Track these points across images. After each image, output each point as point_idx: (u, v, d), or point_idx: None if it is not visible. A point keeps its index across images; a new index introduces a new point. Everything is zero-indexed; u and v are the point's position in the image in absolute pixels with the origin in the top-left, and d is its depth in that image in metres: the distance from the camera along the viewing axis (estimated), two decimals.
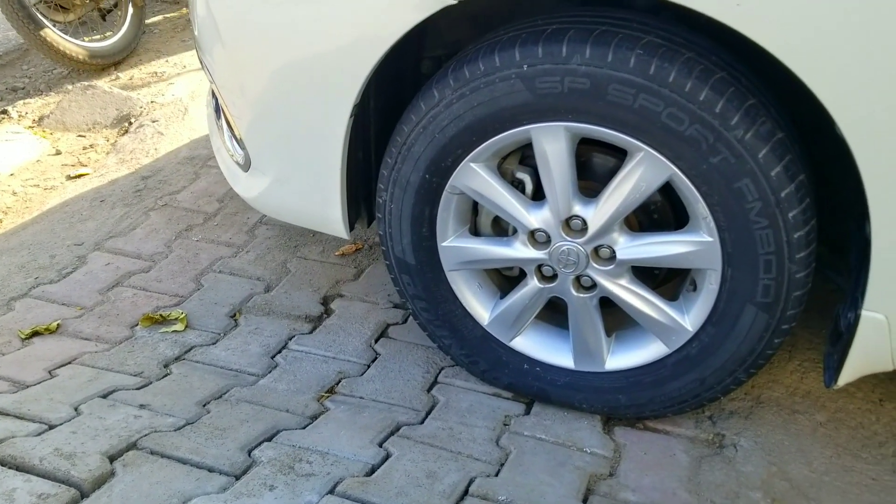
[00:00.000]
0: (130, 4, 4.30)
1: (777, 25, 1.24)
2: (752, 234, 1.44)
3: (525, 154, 1.68)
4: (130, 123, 3.53)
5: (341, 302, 2.27)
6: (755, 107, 1.38)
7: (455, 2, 1.42)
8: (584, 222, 1.59)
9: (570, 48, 1.42)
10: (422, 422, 1.79)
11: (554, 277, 1.69)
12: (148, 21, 4.77)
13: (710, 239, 1.49)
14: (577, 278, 1.67)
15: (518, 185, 1.68)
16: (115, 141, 3.43)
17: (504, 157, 1.67)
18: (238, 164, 1.96)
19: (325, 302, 2.28)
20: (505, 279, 1.86)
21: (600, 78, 1.41)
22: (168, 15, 4.99)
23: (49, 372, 1.95)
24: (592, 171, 1.67)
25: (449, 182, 1.65)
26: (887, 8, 1.16)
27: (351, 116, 1.64)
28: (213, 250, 2.55)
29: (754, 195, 1.41)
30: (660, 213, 1.64)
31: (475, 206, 1.75)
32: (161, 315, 2.21)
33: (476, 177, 1.62)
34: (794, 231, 1.41)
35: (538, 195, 1.63)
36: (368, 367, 2.00)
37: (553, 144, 1.52)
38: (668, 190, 1.54)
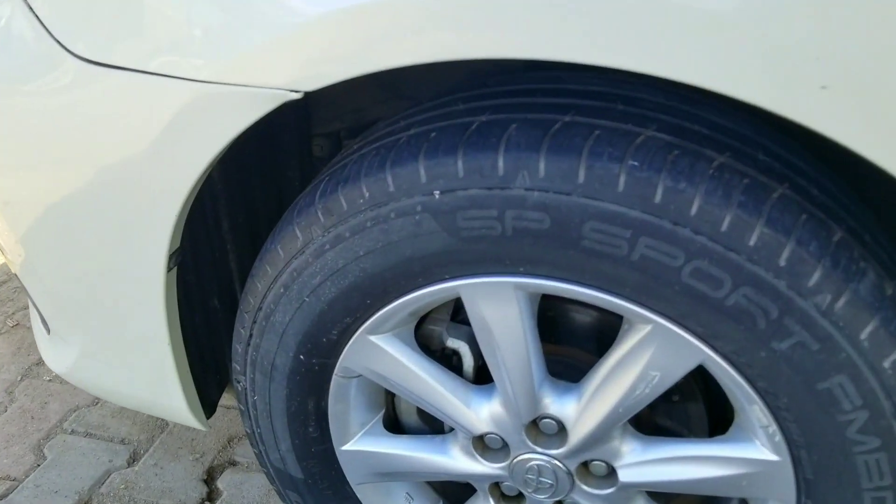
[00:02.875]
0: None
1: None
2: (851, 459, 0.83)
3: (461, 306, 1.04)
4: None
5: (233, 476, 1.63)
6: (846, 245, 0.77)
7: (299, 96, 0.80)
8: (561, 425, 0.97)
9: (511, 159, 0.80)
10: None
11: (521, 498, 1.07)
12: None
13: (773, 458, 0.88)
14: None
15: (452, 358, 1.06)
16: None
17: (426, 315, 1.04)
18: (41, 316, 1.32)
19: (211, 477, 1.64)
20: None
21: (567, 212, 0.79)
22: None
23: None
24: (570, 329, 1.05)
25: (338, 364, 1.02)
26: None
27: (170, 268, 1.01)
28: (68, 397, 1.89)
29: (855, 401, 0.79)
30: (686, 396, 1.02)
31: None
32: None
33: (379, 354, 1.00)
34: None
35: (485, 373, 1.00)
36: None
37: (498, 309, 0.90)
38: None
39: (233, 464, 1.67)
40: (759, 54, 0.66)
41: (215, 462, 1.67)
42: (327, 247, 0.91)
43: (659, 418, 1.04)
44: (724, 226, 0.75)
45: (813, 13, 0.63)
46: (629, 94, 0.85)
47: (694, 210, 0.76)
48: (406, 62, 0.74)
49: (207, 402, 1.25)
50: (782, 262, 0.75)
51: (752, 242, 0.75)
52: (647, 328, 0.85)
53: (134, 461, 1.69)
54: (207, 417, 1.25)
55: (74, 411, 1.85)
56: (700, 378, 1.00)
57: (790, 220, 0.76)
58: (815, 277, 0.75)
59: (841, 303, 0.76)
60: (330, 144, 1.36)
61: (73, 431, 1.79)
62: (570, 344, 1.03)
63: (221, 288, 1.23)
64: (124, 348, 1.13)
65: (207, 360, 1.23)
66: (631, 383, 0.89)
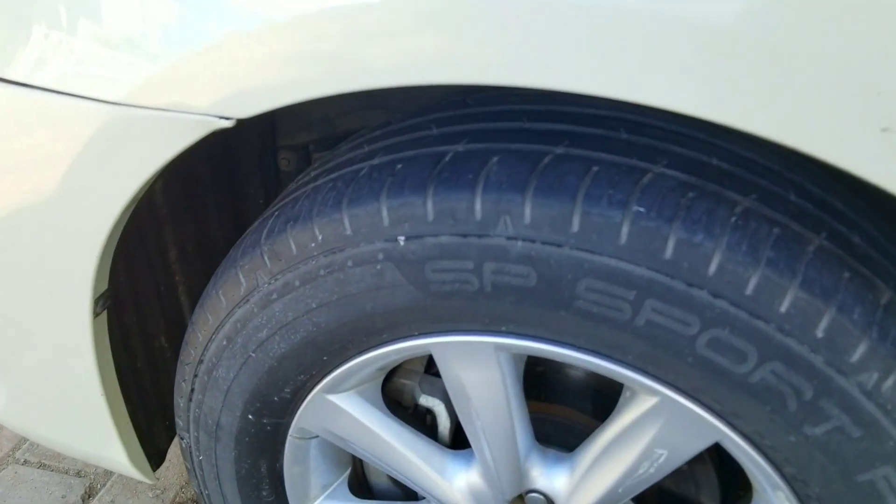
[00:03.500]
0: None
1: None
2: None
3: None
4: None
5: None
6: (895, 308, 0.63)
7: (230, 125, 0.66)
8: (551, 502, 0.83)
9: (490, 200, 0.66)
10: None
11: None
12: None
13: None
14: None
15: (426, 417, 0.92)
16: None
17: (394, 368, 0.91)
18: None
19: None
20: None
21: (558, 267, 0.65)
22: None
23: None
24: (563, 384, 0.91)
25: (293, 424, 0.88)
26: None
27: (97, 314, 0.87)
28: None
29: None
30: (695, 460, 0.89)
31: None
32: None
33: (340, 415, 0.86)
34: None
35: (462, 435, 0.86)
36: None
37: (476, 371, 0.76)
38: None
39: (196, 501, 1.53)
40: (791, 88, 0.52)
41: (177, 499, 1.54)
42: (274, 296, 0.77)
43: (664, 484, 0.90)
44: (750, 288, 0.61)
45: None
46: (635, 118, 0.71)
47: (713, 268, 0.62)
48: (353, 88, 0.60)
49: (155, 452, 1.11)
50: (820, 334, 0.62)
51: (783, 309, 0.61)
52: (653, 400, 0.71)
53: (90, 496, 1.55)
54: (156, 468, 1.12)
55: (27, 440, 1.71)
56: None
57: (830, 280, 0.62)
58: (860, 352, 0.62)
59: (890, 382, 0.62)
60: (298, 158, 1.22)
61: (25, 462, 1.65)
62: (564, 402, 0.89)
63: (169, 325, 1.09)
64: (55, 396, 0.99)
65: (153, 406, 1.09)
66: (633, 461, 0.75)
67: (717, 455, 0.89)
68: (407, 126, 0.78)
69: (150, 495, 1.55)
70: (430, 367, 0.93)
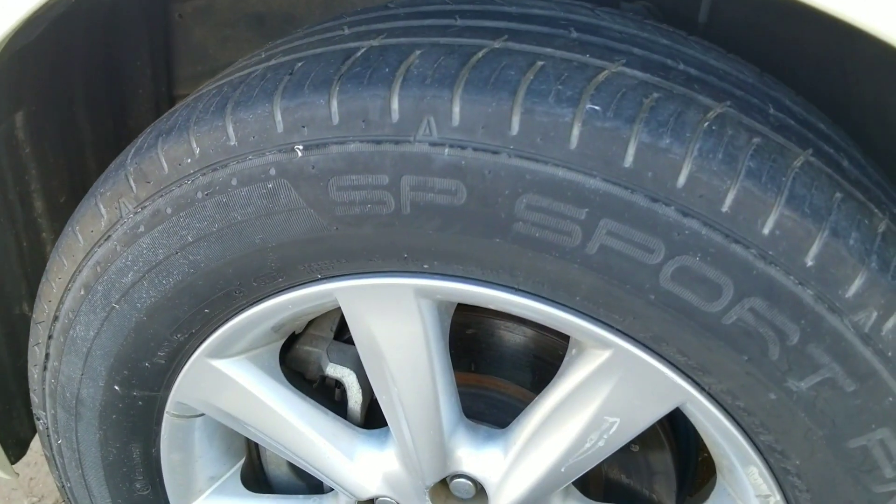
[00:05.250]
0: None
1: None
2: None
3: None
4: None
5: None
6: None
7: None
8: (480, 487, 0.69)
9: (410, 97, 0.52)
10: None
11: None
12: None
13: None
14: None
15: (335, 391, 0.78)
16: None
17: (297, 335, 0.76)
18: None
19: None
20: None
21: (493, 179, 0.52)
22: None
23: None
24: (496, 351, 0.78)
25: (170, 398, 0.73)
26: None
27: None
28: None
29: None
30: (648, 444, 0.77)
31: None
32: None
33: (227, 386, 0.71)
34: None
35: (377, 412, 0.72)
36: None
37: (392, 324, 0.62)
38: None
39: None
40: None
41: None
42: (141, 229, 0.62)
43: (612, 474, 0.78)
44: (727, 204, 0.50)
45: None
46: (587, 19, 0.60)
47: (682, 179, 0.50)
48: None
49: (14, 441, 0.93)
50: (809, 262, 0.50)
51: (766, 230, 0.50)
52: (605, 355, 0.59)
53: None
54: (15, 460, 0.93)
55: None
56: (666, 417, 0.74)
57: (821, 199, 0.51)
58: (857, 285, 0.51)
59: (891, 324, 0.51)
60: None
61: None
62: (497, 373, 0.76)
63: (34, 289, 0.92)
64: None
65: (11, 386, 0.91)
66: (580, 432, 0.63)
67: (672, 435, 0.77)
68: (315, 30, 0.64)
69: (26, 503, 1.34)
70: (341, 333, 0.79)
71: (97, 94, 0.95)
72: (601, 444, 0.63)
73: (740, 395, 0.56)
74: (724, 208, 0.50)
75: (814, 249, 0.50)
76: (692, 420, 0.62)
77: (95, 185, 0.66)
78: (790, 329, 0.52)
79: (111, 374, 0.70)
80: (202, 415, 0.75)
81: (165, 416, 0.74)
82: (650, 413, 0.60)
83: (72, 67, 0.89)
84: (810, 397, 0.54)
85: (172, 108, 0.65)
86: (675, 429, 0.79)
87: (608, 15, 0.61)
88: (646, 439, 0.75)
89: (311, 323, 0.76)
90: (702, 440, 0.66)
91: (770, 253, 0.50)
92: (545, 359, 0.75)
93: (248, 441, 0.84)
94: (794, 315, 0.51)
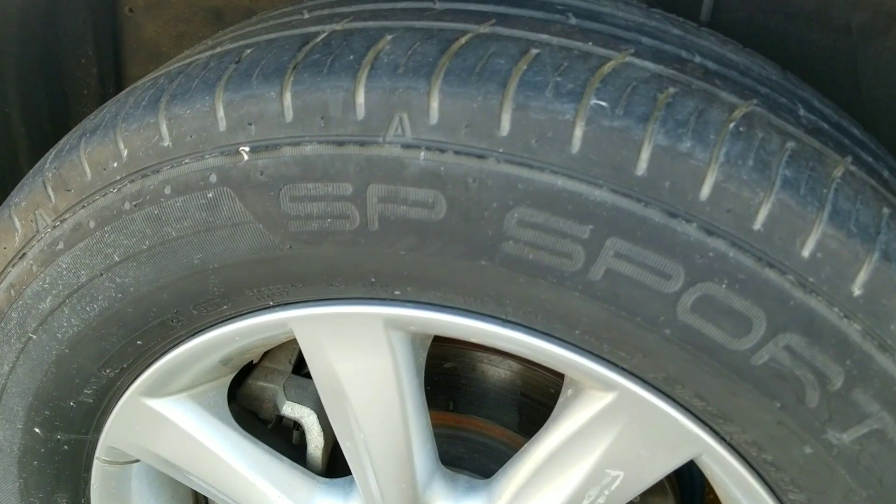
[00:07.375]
0: None
1: None
2: None
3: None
4: None
5: None
6: None
7: None
8: None
9: (378, 90, 0.43)
10: None
11: None
12: None
13: None
14: None
15: (292, 433, 0.68)
16: None
17: (252, 363, 0.66)
18: None
19: None
20: None
21: (477, 190, 0.43)
22: None
23: None
24: (479, 388, 0.69)
25: (101, 442, 0.63)
26: None
27: None
28: None
29: None
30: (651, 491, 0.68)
31: None
32: None
33: (165, 430, 0.61)
34: None
35: (341, 458, 0.62)
36: None
37: (357, 360, 0.52)
38: None
39: None
40: None
41: None
42: (60, 245, 0.52)
43: None
44: (759, 220, 0.41)
45: None
46: (587, 6, 0.51)
47: (706, 191, 0.41)
48: None
49: None
50: (857, 290, 0.42)
51: (806, 252, 0.42)
52: (608, 398, 0.50)
53: None
54: None
55: None
56: None
57: (867, 215, 0.43)
58: None
59: None
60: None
61: None
62: (479, 412, 0.67)
63: None
64: None
65: None
66: (575, 487, 0.54)
67: (677, 481, 0.68)
68: (272, 15, 0.55)
69: None
70: (300, 366, 0.69)
71: (33, 93, 0.85)
72: (601, 501, 0.54)
73: (768, 447, 0.47)
74: (757, 226, 0.42)
75: (862, 276, 0.42)
76: (707, 473, 0.53)
77: (10, 195, 0.56)
78: (833, 371, 0.43)
79: (30, 415, 0.60)
80: (138, 461, 0.65)
81: (96, 462, 0.64)
82: (659, 466, 0.51)
83: (3, 63, 0.80)
84: (854, 452, 0.45)
85: (102, 105, 0.56)
86: (679, 472, 0.70)
87: (610, 1, 0.53)
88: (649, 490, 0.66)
89: (266, 354, 0.67)
90: (709, 484, 0.58)
91: (810, 280, 0.42)
92: (534, 397, 0.66)
93: (194, 491, 0.74)
94: (837, 355, 0.43)
